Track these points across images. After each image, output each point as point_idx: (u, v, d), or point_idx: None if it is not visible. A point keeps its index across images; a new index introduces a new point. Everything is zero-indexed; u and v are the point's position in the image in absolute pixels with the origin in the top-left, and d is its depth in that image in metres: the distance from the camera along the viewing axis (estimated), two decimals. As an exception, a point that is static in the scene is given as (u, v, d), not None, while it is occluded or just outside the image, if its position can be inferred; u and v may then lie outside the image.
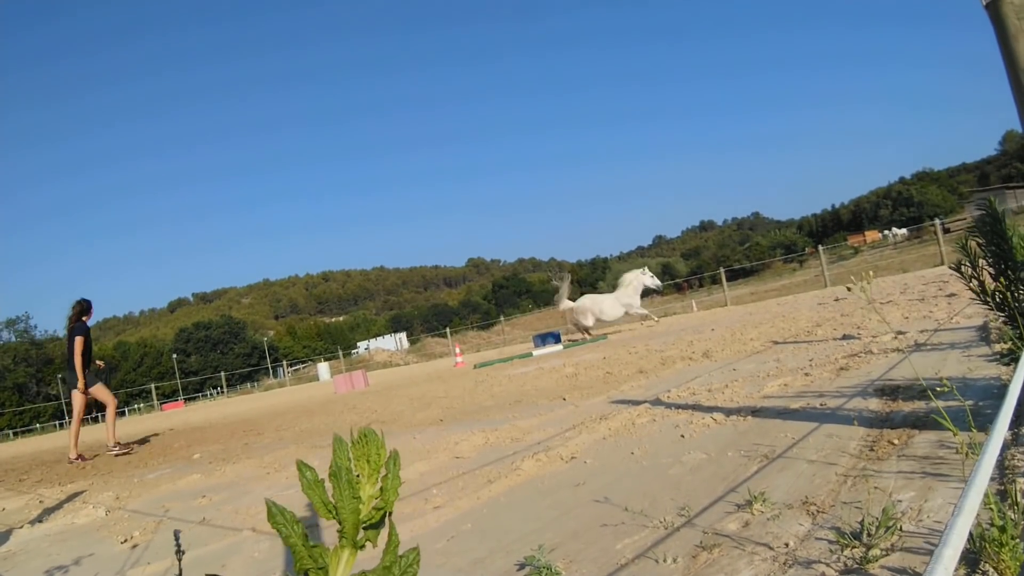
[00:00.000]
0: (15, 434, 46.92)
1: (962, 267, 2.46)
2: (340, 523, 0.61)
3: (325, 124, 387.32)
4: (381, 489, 0.64)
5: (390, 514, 0.64)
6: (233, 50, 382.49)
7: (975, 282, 2.40)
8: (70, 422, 7.82)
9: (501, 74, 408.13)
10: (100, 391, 7.69)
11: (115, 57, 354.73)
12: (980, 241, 2.39)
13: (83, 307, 7.72)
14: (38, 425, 54.13)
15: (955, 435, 1.57)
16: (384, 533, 0.63)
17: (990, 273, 2.39)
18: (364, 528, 0.63)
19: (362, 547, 0.62)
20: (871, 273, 1.73)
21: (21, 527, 3.53)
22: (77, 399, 7.52)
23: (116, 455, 7.39)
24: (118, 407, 8.49)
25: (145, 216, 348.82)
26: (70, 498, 4.39)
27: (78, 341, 7.51)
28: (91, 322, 8.02)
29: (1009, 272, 2.30)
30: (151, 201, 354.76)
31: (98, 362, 8.06)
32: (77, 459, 7.29)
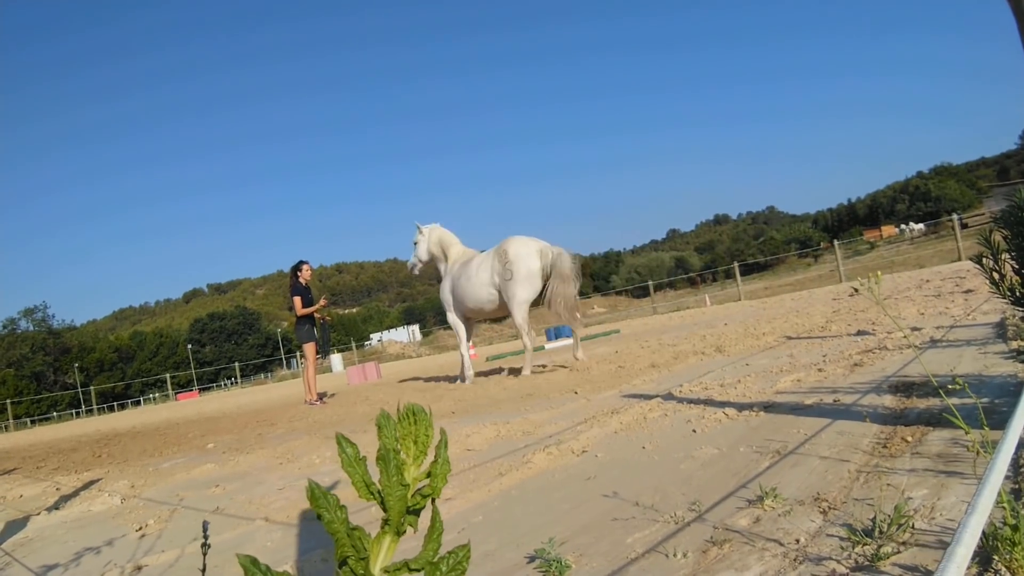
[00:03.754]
0: (32, 422, 47.65)
1: (983, 260, 2.42)
2: (385, 509, 0.60)
3: (339, 119, 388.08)
4: (429, 474, 0.62)
5: (435, 500, 0.62)
6: (238, 58, 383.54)
7: (995, 275, 2.36)
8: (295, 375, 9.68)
9: (513, 66, 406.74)
10: (308, 347, 8.89)
11: (133, 66, 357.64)
12: (1005, 234, 2.34)
13: (293, 269, 9.01)
14: (55, 413, 54.87)
15: (967, 433, 1.56)
16: (424, 518, 0.61)
17: (1013, 267, 2.35)
18: (406, 512, 0.61)
19: (403, 532, 0.61)
20: (879, 273, 1.70)
21: (38, 514, 3.58)
22: (308, 351, 8.92)
23: (312, 405, 8.58)
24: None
25: (161, 208, 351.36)
26: (86, 486, 4.45)
27: (296, 300, 8.78)
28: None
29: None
30: (167, 194, 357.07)
31: (321, 317, 9.24)
32: (316, 401, 8.70)
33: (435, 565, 0.61)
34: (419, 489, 0.62)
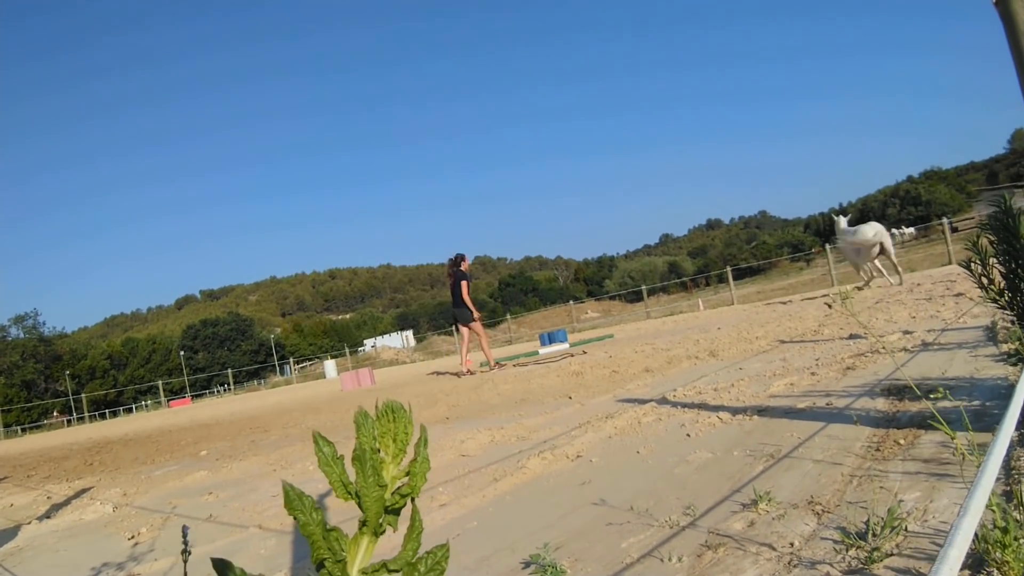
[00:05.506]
0: (23, 430, 47.25)
1: (972, 265, 2.44)
2: (362, 510, 0.58)
3: (331, 122, 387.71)
4: (408, 473, 0.61)
5: (414, 499, 0.61)
6: (235, 44, 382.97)
7: (984, 279, 2.38)
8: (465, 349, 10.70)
9: (504, 71, 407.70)
10: (477, 325, 10.18)
11: (117, 50, 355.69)
12: (991, 238, 2.37)
13: (458, 258, 10.35)
14: (46, 421, 54.41)
15: (952, 438, 1.57)
16: (404, 517, 0.61)
17: (1000, 271, 2.38)
18: (385, 512, 0.60)
19: (382, 532, 0.60)
20: (851, 291, 1.73)
21: (29, 523, 3.56)
22: (476, 328, 10.16)
23: (462, 376, 9.70)
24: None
25: (153, 214, 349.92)
26: (78, 494, 4.43)
27: (464, 285, 10.11)
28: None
29: (1019, 271, 2.28)
30: (158, 199, 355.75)
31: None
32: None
33: (413, 565, 0.59)
34: (398, 488, 0.61)
